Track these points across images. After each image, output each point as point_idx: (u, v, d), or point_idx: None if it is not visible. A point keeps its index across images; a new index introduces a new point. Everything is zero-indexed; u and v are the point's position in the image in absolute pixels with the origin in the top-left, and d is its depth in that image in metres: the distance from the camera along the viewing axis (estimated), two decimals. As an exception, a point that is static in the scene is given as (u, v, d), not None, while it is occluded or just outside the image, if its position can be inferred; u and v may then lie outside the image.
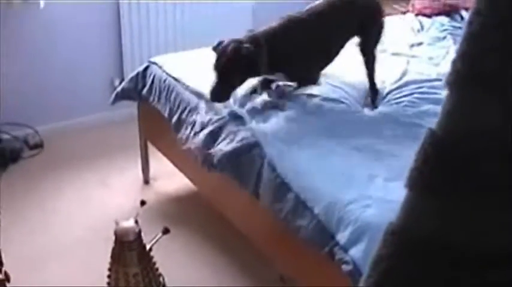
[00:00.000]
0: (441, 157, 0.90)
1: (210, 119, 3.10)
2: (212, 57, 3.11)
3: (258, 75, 3.11)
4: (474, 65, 0.87)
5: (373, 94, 3.30)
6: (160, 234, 2.87)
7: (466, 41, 0.88)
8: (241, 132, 2.93)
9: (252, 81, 3.16)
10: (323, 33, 3.23)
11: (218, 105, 3.13)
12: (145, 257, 2.80)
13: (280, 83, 3.19)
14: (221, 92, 2.99)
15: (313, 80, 3.26)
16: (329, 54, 3.34)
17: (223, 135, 2.98)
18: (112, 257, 2.80)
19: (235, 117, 3.05)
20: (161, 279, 2.92)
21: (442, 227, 0.90)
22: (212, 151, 2.96)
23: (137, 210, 2.85)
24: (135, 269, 2.76)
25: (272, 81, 3.21)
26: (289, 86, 3.21)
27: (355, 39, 3.37)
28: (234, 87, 3.02)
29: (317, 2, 3.29)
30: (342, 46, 3.36)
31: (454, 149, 0.89)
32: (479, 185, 0.87)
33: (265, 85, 3.20)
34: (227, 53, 2.94)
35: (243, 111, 3.06)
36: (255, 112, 3.06)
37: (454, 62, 0.89)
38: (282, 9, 3.36)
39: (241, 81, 3.04)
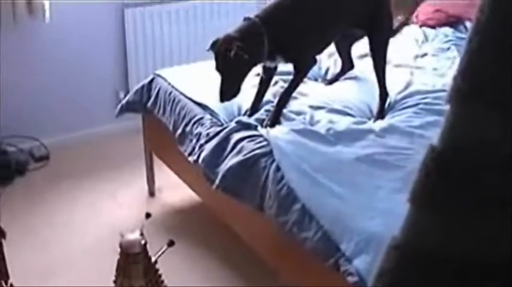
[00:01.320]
0: (442, 171, 0.91)
1: (215, 131, 3.10)
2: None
3: (261, 62, 3.08)
4: (474, 81, 0.88)
5: (382, 101, 3.31)
6: (165, 246, 2.87)
7: (465, 58, 0.90)
8: (248, 144, 2.93)
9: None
10: (322, 12, 3.18)
11: (223, 118, 3.14)
12: (151, 269, 2.79)
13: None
14: (229, 90, 2.98)
15: (311, 61, 3.23)
16: (326, 36, 3.31)
17: (229, 148, 2.98)
18: (117, 269, 2.79)
19: (242, 126, 3.06)
20: None
21: (444, 240, 0.91)
22: (218, 169, 2.97)
23: (142, 222, 2.85)
24: (141, 282, 2.75)
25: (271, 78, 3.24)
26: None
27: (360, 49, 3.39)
28: (239, 82, 2.99)
29: None
30: (342, 32, 3.37)
31: (454, 163, 0.90)
32: (479, 197, 0.88)
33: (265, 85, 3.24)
34: (224, 51, 2.92)
35: (250, 120, 3.08)
36: (261, 122, 3.08)
37: (455, 78, 0.90)
38: None
39: (246, 74, 3.01)
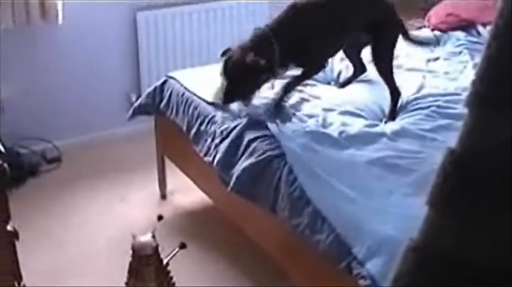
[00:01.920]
0: (460, 175, 0.91)
1: (229, 129, 3.11)
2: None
3: (273, 70, 3.09)
4: (492, 85, 0.89)
5: (394, 102, 3.32)
6: (177, 249, 2.88)
7: (484, 63, 0.90)
8: (261, 144, 2.94)
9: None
10: (330, 19, 3.21)
11: (235, 114, 3.16)
12: (162, 272, 2.80)
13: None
14: (235, 94, 3.06)
15: (320, 63, 3.28)
16: (335, 42, 3.35)
17: (242, 148, 2.99)
18: (129, 272, 2.80)
19: (253, 122, 3.07)
20: None
21: (463, 243, 0.91)
22: (233, 170, 2.98)
23: (154, 225, 2.86)
24: (152, 284, 2.76)
25: None
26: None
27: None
28: (248, 89, 3.07)
29: None
30: (350, 38, 3.39)
31: (472, 167, 0.90)
32: (497, 202, 0.88)
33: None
34: (235, 61, 3.00)
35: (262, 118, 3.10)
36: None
37: (474, 83, 0.90)
38: None
39: (256, 82, 3.07)
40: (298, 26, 3.11)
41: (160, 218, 2.93)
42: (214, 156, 3.12)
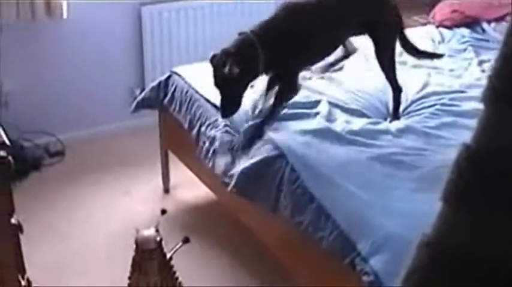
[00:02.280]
0: (475, 171, 0.91)
1: (229, 137, 3.11)
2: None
3: (257, 75, 3.05)
4: (508, 82, 0.88)
5: (396, 101, 3.31)
6: (180, 243, 2.88)
7: (500, 58, 0.90)
8: (262, 147, 2.94)
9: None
10: (316, 26, 3.14)
11: (237, 120, 3.14)
12: (165, 266, 2.80)
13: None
14: (229, 105, 2.99)
15: (295, 89, 3.18)
16: (321, 51, 3.30)
17: (243, 151, 3.00)
18: (132, 265, 2.80)
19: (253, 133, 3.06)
20: None
21: (476, 240, 0.91)
22: (233, 171, 2.97)
23: (158, 219, 2.86)
24: (156, 278, 2.77)
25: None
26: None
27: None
28: (238, 97, 3.00)
29: None
30: (336, 43, 3.36)
31: (488, 163, 0.90)
32: (511, 198, 0.88)
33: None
34: (220, 68, 2.93)
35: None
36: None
37: (490, 79, 0.90)
38: None
39: (243, 88, 3.01)
40: (283, 34, 3.04)
41: (163, 212, 2.93)
42: (214, 161, 3.13)
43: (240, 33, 3.03)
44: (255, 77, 3.05)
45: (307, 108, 3.19)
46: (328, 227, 2.48)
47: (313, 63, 3.35)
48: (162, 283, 2.78)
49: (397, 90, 3.32)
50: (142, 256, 2.76)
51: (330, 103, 3.23)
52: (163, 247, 2.79)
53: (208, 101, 3.37)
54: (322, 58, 3.37)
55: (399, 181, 2.61)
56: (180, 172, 3.91)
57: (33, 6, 4.07)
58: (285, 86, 3.13)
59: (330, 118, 3.09)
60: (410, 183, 2.60)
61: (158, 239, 2.75)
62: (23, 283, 2.51)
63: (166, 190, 4.06)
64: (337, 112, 3.17)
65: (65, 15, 4.19)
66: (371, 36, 3.33)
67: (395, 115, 3.26)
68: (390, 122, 3.20)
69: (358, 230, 2.39)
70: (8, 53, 4.17)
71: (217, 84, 2.97)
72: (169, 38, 4.70)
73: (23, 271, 2.56)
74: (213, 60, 2.98)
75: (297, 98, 3.21)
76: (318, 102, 3.25)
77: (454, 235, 0.93)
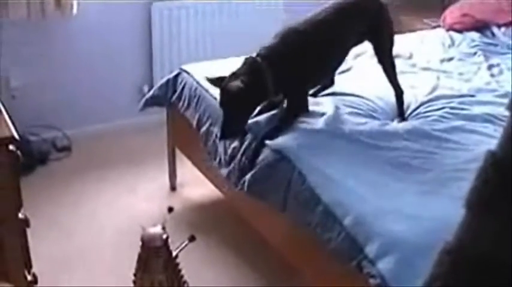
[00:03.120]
0: (502, 178, 0.90)
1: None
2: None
3: (266, 98, 3.05)
4: None
5: (399, 102, 3.30)
6: (186, 241, 2.88)
7: None
8: (271, 149, 2.93)
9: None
10: (323, 46, 3.14)
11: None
12: (171, 264, 2.80)
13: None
14: (231, 128, 2.98)
15: (305, 107, 3.16)
16: (327, 69, 3.32)
17: (252, 152, 2.99)
18: (138, 262, 2.80)
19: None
20: (186, 286, 2.93)
21: (502, 247, 0.90)
22: (245, 178, 2.97)
23: (164, 216, 2.86)
24: (161, 276, 2.76)
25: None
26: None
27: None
28: (243, 121, 3.00)
29: (318, 10, 3.22)
30: (342, 57, 3.35)
31: None
32: None
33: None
34: (227, 92, 2.91)
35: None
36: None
37: None
38: (312, 8, 3.31)
39: (250, 113, 3.02)
40: (289, 56, 3.03)
41: (170, 210, 2.93)
42: (221, 161, 3.13)
43: (246, 58, 3.03)
44: (262, 100, 3.05)
45: (315, 109, 3.18)
46: (336, 228, 2.47)
47: (320, 81, 3.33)
48: (167, 281, 2.78)
49: (399, 91, 3.32)
50: (148, 254, 2.76)
51: (338, 104, 3.22)
52: (169, 245, 2.78)
53: (217, 99, 3.36)
54: (329, 74, 3.37)
55: (407, 184, 2.61)
56: (186, 170, 3.91)
57: (43, 2, 4.07)
58: (292, 105, 3.12)
59: (336, 119, 3.08)
60: (418, 186, 2.59)
61: (164, 236, 2.75)
62: (29, 277, 2.52)
63: (173, 188, 4.06)
64: (345, 114, 3.16)
65: (74, 12, 4.19)
66: (371, 41, 3.34)
67: (401, 116, 3.26)
68: (399, 122, 3.20)
69: (365, 232, 2.38)
70: (17, 49, 4.18)
71: (222, 104, 2.96)
72: (178, 36, 4.69)
73: (29, 265, 2.57)
74: (222, 83, 2.97)
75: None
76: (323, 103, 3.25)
77: (478, 242, 0.93)
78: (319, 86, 3.40)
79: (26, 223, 2.46)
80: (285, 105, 3.14)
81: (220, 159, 3.18)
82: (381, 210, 2.44)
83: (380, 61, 3.35)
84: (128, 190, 4.06)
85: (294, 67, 3.03)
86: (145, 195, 4.01)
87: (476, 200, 0.93)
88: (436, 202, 2.39)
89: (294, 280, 3.02)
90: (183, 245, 2.86)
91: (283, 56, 3.02)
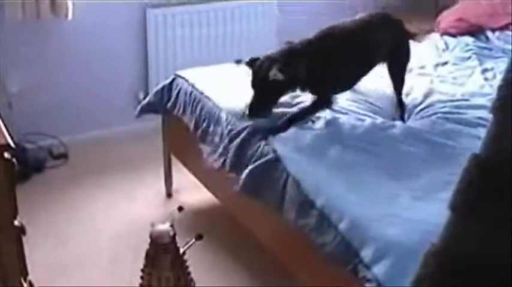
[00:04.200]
0: (485, 180, 0.91)
1: (236, 129, 3.12)
2: (238, 72, 3.13)
3: (296, 86, 3.10)
4: None
5: (401, 111, 3.35)
6: (193, 240, 2.94)
7: (510, 70, 0.90)
8: (269, 147, 2.94)
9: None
10: (360, 49, 3.23)
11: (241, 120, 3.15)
12: (178, 261, 2.86)
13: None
14: (259, 107, 3.03)
15: (330, 102, 3.20)
16: (360, 73, 3.35)
17: (251, 150, 3.00)
18: (146, 259, 2.85)
19: (257, 132, 3.07)
20: (193, 284, 2.97)
21: (486, 247, 0.91)
22: (242, 176, 2.98)
23: (173, 215, 2.94)
24: (168, 273, 2.82)
25: None
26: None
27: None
28: (272, 103, 3.06)
29: (350, 20, 3.31)
30: (367, 70, 3.38)
31: (498, 173, 0.90)
32: None
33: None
34: (263, 78, 2.96)
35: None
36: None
37: (500, 88, 0.90)
38: (306, 8, 3.33)
39: (279, 96, 3.07)
40: (328, 54, 3.09)
41: (180, 209, 3.01)
42: (223, 156, 3.13)
43: (287, 42, 3.10)
44: (292, 88, 3.09)
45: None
46: (331, 233, 2.47)
47: (346, 87, 3.34)
48: (174, 277, 2.83)
49: (401, 104, 3.39)
50: (156, 250, 2.81)
51: (333, 109, 3.23)
52: (177, 242, 2.84)
53: (213, 101, 3.38)
54: (353, 83, 3.38)
55: (402, 189, 2.61)
56: (182, 176, 3.91)
57: (38, 5, 4.08)
58: (318, 103, 3.16)
59: (333, 122, 3.09)
60: (413, 191, 2.59)
61: (172, 233, 2.81)
62: (25, 285, 2.52)
63: (169, 194, 4.06)
64: (342, 117, 3.17)
65: (70, 16, 4.20)
66: (388, 62, 3.40)
67: (401, 118, 3.31)
68: (403, 121, 3.26)
69: (360, 237, 2.38)
70: (12, 56, 4.18)
71: (254, 85, 3.02)
72: (173, 42, 4.70)
73: (25, 272, 2.57)
74: (253, 64, 3.03)
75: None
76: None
77: (463, 244, 0.94)
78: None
79: (22, 230, 2.46)
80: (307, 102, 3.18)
81: (222, 157, 3.17)
82: (376, 214, 2.45)
83: (392, 79, 3.42)
84: (124, 196, 4.06)
85: (329, 66, 3.08)
86: (141, 201, 4.01)
87: (460, 202, 0.94)
88: (430, 206, 2.40)
89: (289, 284, 3.03)
90: (190, 243, 2.91)
91: (322, 53, 3.08)
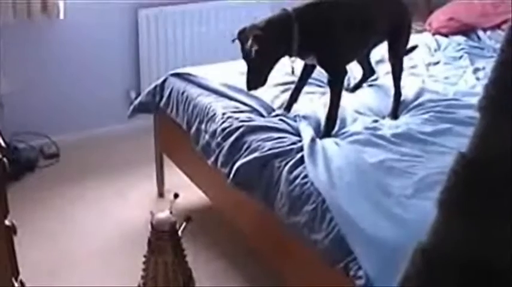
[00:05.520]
0: (471, 179, 0.92)
1: (230, 128, 3.11)
2: (230, 71, 3.12)
3: (290, 55, 3.05)
4: (504, 91, 0.89)
5: (397, 101, 3.35)
6: (184, 223, 3.01)
7: (498, 68, 0.90)
8: (265, 143, 2.94)
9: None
10: (358, 19, 3.15)
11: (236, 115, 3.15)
12: (178, 247, 2.97)
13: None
14: (254, 79, 2.97)
15: (344, 71, 3.16)
16: (360, 46, 3.32)
17: (245, 146, 2.99)
18: (148, 246, 2.93)
19: (256, 128, 3.07)
20: (189, 272, 3.06)
21: (471, 244, 0.91)
22: (233, 165, 2.98)
23: (171, 203, 3.01)
24: (170, 258, 2.92)
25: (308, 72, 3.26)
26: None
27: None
28: (265, 73, 2.99)
29: None
30: (370, 46, 3.39)
31: (484, 171, 0.90)
32: (507, 205, 0.88)
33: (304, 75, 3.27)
34: (249, 40, 2.88)
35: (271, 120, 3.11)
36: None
37: (487, 87, 0.91)
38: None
39: (271, 65, 3.00)
40: (326, 21, 3.02)
41: (176, 196, 3.05)
42: (216, 153, 3.12)
43: (281, 9, 3.02)
44: (285, 54, 3.03)
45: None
46: (323, 230, 2.48)
47: (349, 60, 3.30)
48: (174, 263, 2.93)
49: (398, 93, 3.38)
50: (156, 237, 2.90)
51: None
52: (177, 229, 2.95)
53: (206, 98, 3.38)
54: (356, 56, 3.38)
55: (394, 187, 2.61)
56: (174, 176, 3.91)
57: (29, 6, 4.07)
58: (333, 77, 3.13)
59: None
60: (404, 189, 2.60)
61: (172, 221, 2.93)
62: (16, 284, 2.51)
63: (161, 194, 4.06)
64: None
65: (61, 16, 4.19)
66: (389, 41, 3.39)
67: (393, 115, 3.31)
68: (390, 119, 3.26)
69: (352, 235, 2.39)
70: (3, 55, 4.17)
71: (244, 58, 2.97)
72: (165, 42, 4.71)
73: (16, 273, 2.56)
74: (241, 35, 2.97)
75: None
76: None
77: (450, 241, 0.94)
78: (359, 79, 3.58)
79: (13, 230, 2.45)
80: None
81: (215, 154, 3.16)
82: (367, 213, 2.45)
83: (391, 60, 3.41)
84: (116, 196, 4.06)
85: (327, 29, 3.02)
86: (133, 201, 4.01)
87: (447, 201, 0.94)
88: (421, 205, 2.41)
89: (281, 283, 3.02)
90: (182, 227, 2.99)
91: (319, 16, 3.02)
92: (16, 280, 2.52)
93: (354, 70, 3.67)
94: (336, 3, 3.11)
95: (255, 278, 3.32)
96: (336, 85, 3.12)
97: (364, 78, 3.65)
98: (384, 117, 3.28)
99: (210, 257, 3.49)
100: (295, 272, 2.83)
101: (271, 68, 3.00)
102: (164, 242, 2.90)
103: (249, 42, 2.86)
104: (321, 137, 2.99)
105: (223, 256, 3.50)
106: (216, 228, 3.68)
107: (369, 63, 3.65)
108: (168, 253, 2.91)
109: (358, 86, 3.62)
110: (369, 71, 3.65)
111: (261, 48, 2.85)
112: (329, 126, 3.08)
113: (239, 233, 3.22)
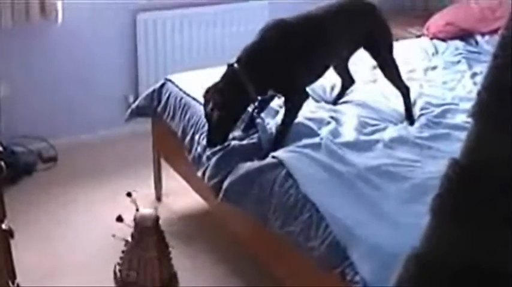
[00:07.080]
0: (464, 185, 0.92)
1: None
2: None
3: (250, 101, 3.03)
4: (499, 96, 0.89)
5: (406, 104, 3.34)
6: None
7: (491, 73, 0.90)
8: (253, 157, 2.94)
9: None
10: (311, 40, 3.09)
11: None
12: (162, 243, 3.02)
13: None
14: (217, 136, 3.00)
15: (303, 95, 3.11)
16: (320, 65, 3.24)
17: (234, 161, 2.99)
18: (131, 240, 3.00)
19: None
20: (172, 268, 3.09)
21: (463, 251, 0.91)
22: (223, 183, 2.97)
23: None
24: (153, 253, 2.97)
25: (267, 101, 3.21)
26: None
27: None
28: (228, 129, 3.02)
29: (313, 9, 3.20)
30: (337, 59, 3.35)
31: (477, 177, 0.90)
32: (501, 212, 0.89)
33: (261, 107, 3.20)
34: (207, 102, 2.97)
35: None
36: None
37: (480, 93, 0.91)
38: (297, 7, 3.30)
39: (236, 116, 3.02)
40: (272, 56, 2.99)
41: (129, 194, 3.22)
42: (205, 169, 3.11)
43: (228, 66, 3.01)
44: (247, 104, 3.04)
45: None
46: (319, 237, 2.48)
47: (309, 82, 3.25)
48: (157, 259, 2.98)
49: (405, 91, 3.37)
50: (140, 233, 2.97)
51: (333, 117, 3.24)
52: (160, 225, 3.01)
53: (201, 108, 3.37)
54: (320, 71, 3.27)
55: (390, 192, 2.62)
56: (172, 180, 3.91)
57: (28, 10, 4.07)
58: (291, 103, 3.09)
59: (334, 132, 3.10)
60: (401, 194, 2.61)
61: (155, 217, 3.00)
62: (13, 288, 2.51)
63: (158, 198, 4.05)
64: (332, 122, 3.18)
65: (60, 20, 4.19)
66: (367, 48, 3.35)
67: (410, 118, 3.30)
68: (410, 125, 3.25)
69: (348, 240, 2.39)
70: (1, 59, 4.17)
71: (205, 116, 3.01)
72: (163, 45, 4.71)
73: (13, 276, 2.56)
74: (205, 95, 3.02)
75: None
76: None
77: (442, 247, 0.94)
78: (338, 91, 3.51)
79: (10, 233, 2.45)
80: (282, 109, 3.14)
81: (203, 168, 3.16)
82: (364, 218, 2.46)
83: (380, 67, 3.40)
84: (114, 199, 4.04)
85: (274, 62, 2.99)
86: (131, 205, 3.98)
87: (440, 207, 0.95)
88: (417, 210, 2.40)
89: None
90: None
91: (261, 54, 3.00)
92: (13, 283, 2.52)
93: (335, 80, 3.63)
94: (286, 31, 3.06)
95: (254, 283, 3.31)
96: (294, 108, 3.08)
97: (343, 89, 3.57)
98: (396, 124, 3.26)
99: (208, 261, 3.49)
100: (293, 277, 2.83)
101: (232, 126, 3.03)
102: (146, 237, 2.95)
103: (210, 106, 2.94)
104: (263, 156, 2.95)
105: (222, 260, 3.49)
106: (214, 232, 3.68)
107: (348, 73, 3.56)
108: (150, 249, 2.95)
109: (339, 97, 3.54)
110: (348, 81, 3.57)
111: (223, 112, 2.92)
112: (276, 145, 3.00)
113: (236, 237, 3.22)
